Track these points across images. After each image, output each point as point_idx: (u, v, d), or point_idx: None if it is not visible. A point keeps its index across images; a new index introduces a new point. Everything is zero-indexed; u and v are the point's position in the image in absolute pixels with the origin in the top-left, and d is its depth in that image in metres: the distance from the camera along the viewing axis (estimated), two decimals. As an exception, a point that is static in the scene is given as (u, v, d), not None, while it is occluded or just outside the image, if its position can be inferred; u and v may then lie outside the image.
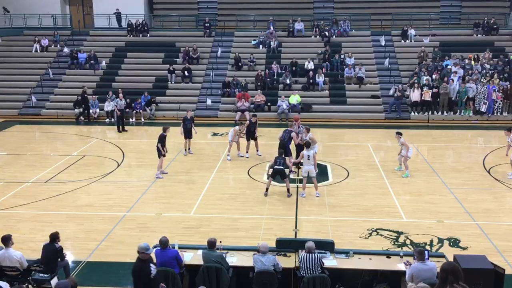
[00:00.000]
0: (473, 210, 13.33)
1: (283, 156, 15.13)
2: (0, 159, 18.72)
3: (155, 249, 9.34)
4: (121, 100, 23.17)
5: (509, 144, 16.41)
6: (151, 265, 8.09)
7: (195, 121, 19.28)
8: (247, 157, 18.09)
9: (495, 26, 29.20)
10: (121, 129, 22.57)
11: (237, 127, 18.54)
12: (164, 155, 16.15)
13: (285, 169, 14.92)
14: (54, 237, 9.51)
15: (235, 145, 18.30)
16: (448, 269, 6.01)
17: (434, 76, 25.17)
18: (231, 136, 18.04)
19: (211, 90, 26.67)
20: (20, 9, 31.60)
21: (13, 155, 18.96)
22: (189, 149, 18.88)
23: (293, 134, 16.64)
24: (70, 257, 10.80)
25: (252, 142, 18.37)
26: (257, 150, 18.48)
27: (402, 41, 29.26)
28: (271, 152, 18.95)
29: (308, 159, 14.35)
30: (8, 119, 25.23)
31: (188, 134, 18.66)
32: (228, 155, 18.09)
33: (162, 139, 16.07)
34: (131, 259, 10.71)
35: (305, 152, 14.45)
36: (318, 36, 29.74)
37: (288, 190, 14.57)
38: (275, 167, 14.54)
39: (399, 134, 16.40)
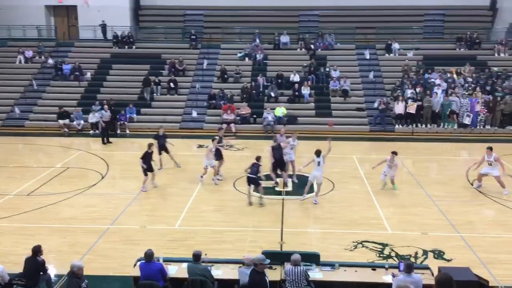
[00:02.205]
0: (457, 222, 13.44)
1: (259, 163, 14.83)
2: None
3: (139, 262, 9.26)
4: (106, 111, 23.05)
5: (484, 160, 16.20)
6: (266, 277, 8.30)
7: (167, 136, 18.68)
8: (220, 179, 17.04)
9: (477, 41, 29.71)
10: (105, 141, 22.40)
11: (210, 145, 17.18)
12: (151, 170, 15.98)
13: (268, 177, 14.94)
14: (37, 250, 9.37)
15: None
16: (446, 283, 5.92)
17: (417, 89, 25.45)
18: (206, 161, 16.64)
19: (197, 102, 26.65)
20: (4, 20, 31.33)
21: (-5, 167, 18.68)
22: (175, 163, 18.52)
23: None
24: (52, 271, 10.63)
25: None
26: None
27: (386, 54, 29.61)
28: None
29: (318, 165, 14.58)
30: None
31: (163, 150, 18.18)
32: (213, 179, 16.84)
33: (146, 156, 15.82)
34: (114, 273, 10.66)
35: (316, 158, 14.70)
36: (303, 49, 29.96)
37: (260, 197, 14.62)
38: (248, 175, 14.61)
39: (394, 153, 16.25)
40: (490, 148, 16.23)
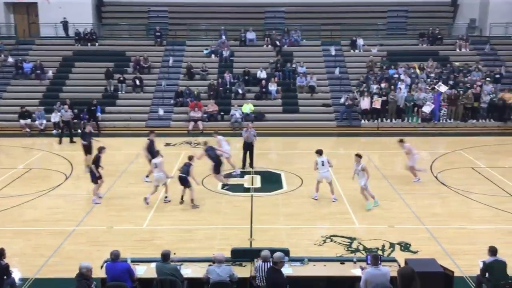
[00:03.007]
0: (422, 215, 13.70)
1: (190, 163, 14.46)
2: None
3: (106, 263, 9.09)
4: (66, 111, 22.51)
5: (407, 152, 16.46)
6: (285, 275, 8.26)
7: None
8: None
9: (439, 36, 30.37)
10: (61, 141, 21.88)
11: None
12: (100, 177, 14.82)
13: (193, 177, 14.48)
14: (1, 253, 9.09)
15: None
16: (408, 275, 6.09)
17: (382, 85, 25.84)
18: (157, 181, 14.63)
19: (163, 100, 26.36)
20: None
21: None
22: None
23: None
24: (17, 274, 10.34)
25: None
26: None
27: (351, 50, 29.93)
28: (225, 162, 18.89)
29: (323, 165, 14.51)
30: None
31: (88, 150, 17.06)
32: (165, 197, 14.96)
33: (97, 160, 14.82)
34: (81, 275, 10.40)
35: (318, 159, 14.58)
36: (270, 46, 30.00)
37: (191, 201, 14.27)
38: (179, 174, 14.48)
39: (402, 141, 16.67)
40: (401, 140, 16.63)
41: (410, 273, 6.14)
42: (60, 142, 21.84)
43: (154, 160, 14.69)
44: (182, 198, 14.53)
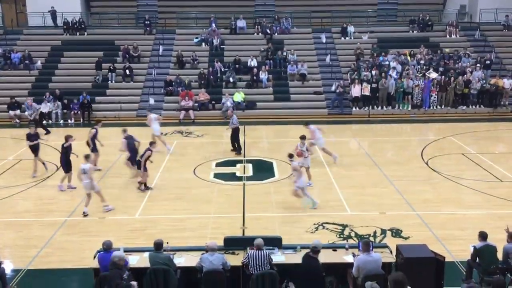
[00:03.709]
0: (413, 201, 13.80)
1: (150, 148, 14.60)
2: None
3: (98, 253, 9.09)
4: (46, 103, 22.30)
5: (311, 137, 16.33)
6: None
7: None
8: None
9: (429, 23, 30.36)
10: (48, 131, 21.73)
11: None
12: (70, 167, 14.72)
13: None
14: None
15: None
16: (399, 281, 6.23)
17: (373, 72, 25.86)
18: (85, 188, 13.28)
19: (154, 89, 26.21)
20: None
21: None
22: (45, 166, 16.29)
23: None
24: (8, 266, 10.31)
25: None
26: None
27: (342, 38, 29.87)
28: (217, 151, 18.91)
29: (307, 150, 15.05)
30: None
31: (35, 151, 16.06)
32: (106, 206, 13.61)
33: (67, 151, 14.72)
34: (73, 265, 10.45)
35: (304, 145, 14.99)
36: (260, 34, 29.86)
37: (143, 184, 14.66)
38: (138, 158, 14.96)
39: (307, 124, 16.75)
40: (306, 124, 16.60)
41: (401, 279, 6.27)
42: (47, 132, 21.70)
43: (83, 166, 13.04)
44: (140, 183, 14.77)
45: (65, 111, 24.10)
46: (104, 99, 25.56)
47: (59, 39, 29.38)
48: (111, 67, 26.71)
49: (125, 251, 9.30)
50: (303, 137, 15.18)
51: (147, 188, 14.73)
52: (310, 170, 15.07)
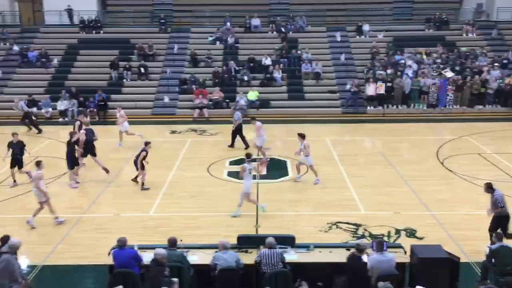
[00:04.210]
0: (428, 201, 13.68)
1: (145, 148, 14.74)
2: None
3: (113, 250, 9.16)
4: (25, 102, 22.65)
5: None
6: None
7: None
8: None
9: (446, 21, 30.06)
10: (32, 128, 21.97)
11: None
12: (77, 164, 15.12)
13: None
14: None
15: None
16: None
17: (388, 71, 25.68)
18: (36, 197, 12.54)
19: (168, 87, 26.34)
20: (-35, 6, 30.29)
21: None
22: (14, 181, 15.13)
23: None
24: (24, 262, 10.44)
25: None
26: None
27: (357, 36, 29.71)
28: (231, 149, 18.92)
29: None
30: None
31: (16, 162, 15.02)
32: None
33: (72, 147, 14.98)
34: (89, 262, 10.53)
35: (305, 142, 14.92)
36: (274, 32, 29.83)
37: (142, 184, 14.72)
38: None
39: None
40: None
41: None
42: (30, 129, 22.00)
43: (33, 174, 12.54)
44: (135, 178, 15.04)
45: (81, 108, 24.28)
46: (119, 97, 25.74)
47: (76, 38, 29.65)
48: (126, 66, 26.90)
49: (139, 248, 9.38)
50: (302, 135, 15.11)
51: (143, 187, 14.73)
52: (326, 168, 14.98)
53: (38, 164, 12.49)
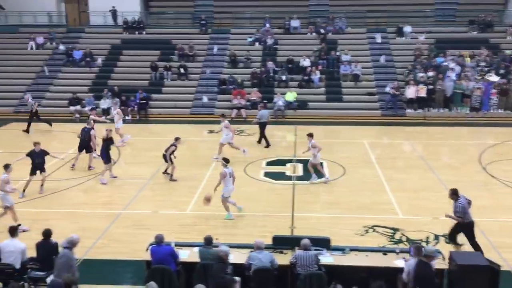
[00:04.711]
0: (468, 207, 13.33)
1: (174, 144, 15.60)
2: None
3: (150, 246, 9.35)
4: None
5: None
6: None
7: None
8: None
9: (490, 23, 29.25)
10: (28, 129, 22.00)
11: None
12: (110, 161, 15.53)
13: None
14: (49, 233, 9.47)
15: None
16: None
17: (430, 73, 25.19)
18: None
19: (207, 87, 26.63)
20: (15, 6, 31.41)
21: (9, 153, 18.81)
22: (23, 191, 14.30)
23: (92, 132, 16.86)
24: (66, 255, 10.76)
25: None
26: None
27: (398, 38, 29.27)
28: (268, 149, 18.98)
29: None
30: (4, 116, 25.11)
31: (38, 167, 14.48)
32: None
33: (108, 144, 15.45)
34: (127, 257, 10.78)
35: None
36: (314, 33, 29.73)
37: (170, 176, 15.56)
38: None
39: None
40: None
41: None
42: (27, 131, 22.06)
43: (1, 177, 12.08)
44: (165, 171, 15.79)
45: (122, 107, 24.84)
46: (159, 96, 26.21)
47: (119, 38, 30.36)
48: (167, 66, 27.36)
49: (176, 245, 9.55)
50: (310, 135, 15.55)
51: (172, 179, 15.55)
52: (363, 171, 14.84)
53: (6, 167, 12.21)
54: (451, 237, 10.82)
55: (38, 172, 14.43)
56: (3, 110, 25.76)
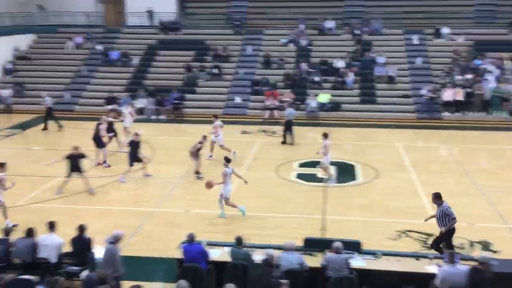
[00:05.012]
0: (506, 213, 13.01)
1: (201, 141, 15.88)
2: (34, 154, 19.20)
3: (182, 244, 9.44)
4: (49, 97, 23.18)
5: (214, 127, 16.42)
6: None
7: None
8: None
9: (532, 25, 28.42)
10: (46, 127, 22.41)
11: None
12: (141, 160, 15.80)
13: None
14: (83, 228, 9.70)
15: None
16: None
17: (468, 76, 24.63)
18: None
19: (240, 88, 26.74)
20: (55, 7, 32.26)
21: (46, 150, 19.41)
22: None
23: (101, 126, 17.28)
24: (100, 251, 10.99)
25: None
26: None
27: (435, 39, 28.73)
28: (300, 151, 18.93)
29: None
30: (42, 114, 25.78)
31: (75, 169, 14.58)
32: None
33: (135, 147, 15.66)
34: (159, 254, 10.93)
35: (327, 141, 15.39)
36: (348, 35, 29.48)
37: (195, 172, 15.73)
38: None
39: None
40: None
41: None
42: (45, 128, 22.48)
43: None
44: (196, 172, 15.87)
45: (157, 107, 25.24)
46: (193, 96, 26.47)
47: (155, 38, 30.79)
48: (201, 66, 27.59)
49: (207, 244, 9.63)
50: (325, 135, 15.64)
51: (198, 176, 15.72)
52: (397, 175, 14.64)
53: (1, 165, 12.33)
54: (437, 245, 10.37)
55: (75, 173, 14.61)
56: (43, 108, 26.42)
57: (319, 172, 16.50)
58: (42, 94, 24.65)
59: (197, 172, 15.81)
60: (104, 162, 17.15)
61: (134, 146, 15.77)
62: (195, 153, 15.80)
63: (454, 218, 10.29)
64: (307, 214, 13.14)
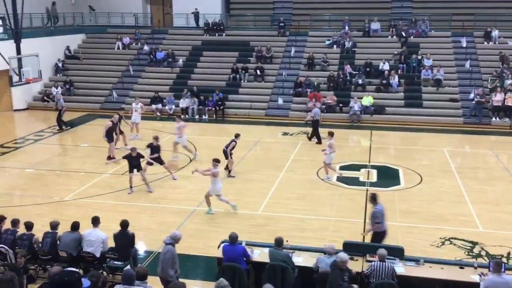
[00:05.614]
0: (557, 224, 12.49)
1: (234, 140, 16.32)
2: (81, 150, 19.83)
3: (223, 244, 9.53)
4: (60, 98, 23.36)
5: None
6: None
7: None
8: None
9: None
10: (61, 127, 22.73)
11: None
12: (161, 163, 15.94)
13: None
14: (126, 224, 9.92)
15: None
16: None
17: (519, 80, 23.79)
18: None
19: (283, 89, 26.73)
20: (104, 8, 33.20)
21: (94, 147, 19.98)
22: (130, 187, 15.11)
23: (107, 122, 18.01)
24: (142, 247, 11.26)
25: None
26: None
27: (485, 42, 27.87)
28: (342, 154, 18.75)
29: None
30: (91, 112, 26.60)
31: (135, 167, 15.13)
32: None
33: (153, 150, 15.78)
34: (199, 253, 11.08)
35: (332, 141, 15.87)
36: (395, 37, 28.99)
37: (229, 171, 16.13)
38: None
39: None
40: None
41: None
42: (60, 127, 22.82)
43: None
44: (226, 167, 16.19)
45: (200, 107, 25.56)
46: (236, 97, 26.66)
47: (200, 39, 31.20)
48: (244, 67, 27.78)
49: (247, 244, 9.69)
50: (331, 133, 16.18)
51: (229, 174, 16.10)
52: (442, 180, 14.30)
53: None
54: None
55: (135, 170, 15.08)
56: (91, 106, 27.28)
57: (361, 176, 16.32)
58: (92, 93, 25.53)
59: (229, 171, 16.22)
60: (111, 157, 17.77)
61: (153, 149, 15.89)
62: (229, 152, 16.15)
63: (379, 223, 10.22)
64: (348, 217, 13.02)
